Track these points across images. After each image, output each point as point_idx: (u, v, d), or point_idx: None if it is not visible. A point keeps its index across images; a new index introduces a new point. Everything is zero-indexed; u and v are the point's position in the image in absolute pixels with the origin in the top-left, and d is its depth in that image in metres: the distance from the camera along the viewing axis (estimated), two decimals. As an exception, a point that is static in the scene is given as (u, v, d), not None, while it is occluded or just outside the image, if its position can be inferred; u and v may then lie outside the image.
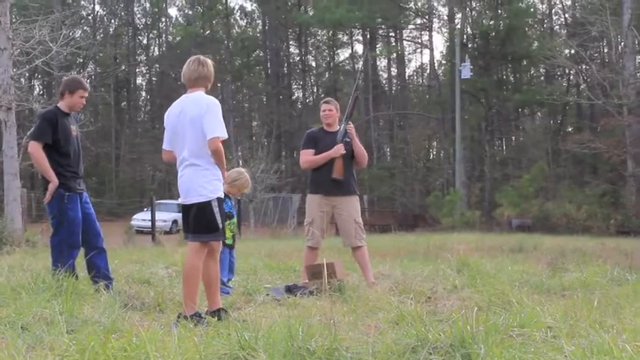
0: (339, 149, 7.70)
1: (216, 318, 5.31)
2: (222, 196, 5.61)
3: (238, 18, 55.56)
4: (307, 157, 7.89)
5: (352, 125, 7.96)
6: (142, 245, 18.71)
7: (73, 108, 7.06)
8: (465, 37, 45.96)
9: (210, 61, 5.76)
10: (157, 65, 55.13)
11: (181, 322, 5.11)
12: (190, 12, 54.81)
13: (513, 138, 51.91)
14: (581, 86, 42.73)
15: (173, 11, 56.60)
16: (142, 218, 29.86)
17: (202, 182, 5.48)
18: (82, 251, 6.96)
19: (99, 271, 6.86)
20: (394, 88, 54.69)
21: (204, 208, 5.47)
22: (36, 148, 6.70)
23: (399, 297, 6.42)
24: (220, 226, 5.51)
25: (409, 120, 49.91)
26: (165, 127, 5.76)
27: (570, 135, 41.88)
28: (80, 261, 7.01)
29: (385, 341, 4.13)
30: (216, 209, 5.46)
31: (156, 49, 57.56)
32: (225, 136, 5.50)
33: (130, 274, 7.96)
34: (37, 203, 26.93)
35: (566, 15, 49.15)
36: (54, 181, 6.64)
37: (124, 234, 20.47)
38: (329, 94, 39.61)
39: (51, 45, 20.18)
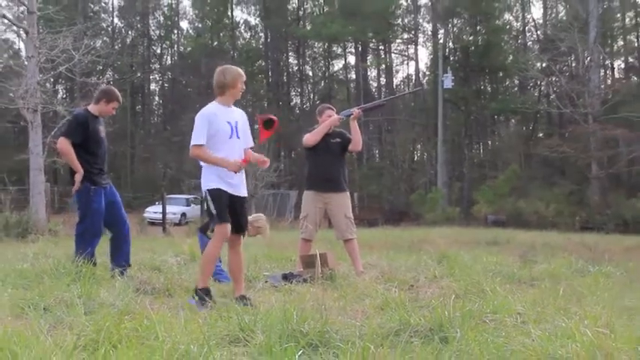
0: (337, 118, 7.87)
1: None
2: (215, 187, 5.61)
3: (243, 31, 55.43)
4: (308, 134, 7.90)
5: (359, 113, 7.99)
6: (153, 236, 18.70)
7: (102, 114, 7.11)
8: (447, 50, 45.94)
9: (220, 69, 5.80)
10: (169, 73, 55.01)
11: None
12: (200, 25, 54.66)
13: (490, 142, 51.88)
14: (551, 96, 42.78)
15: (184, 24, 56.51)
16: (153, 211, 29.76)
17: (202, 179, 5.75)
18: (103, 239, 7.02)
19: (121, 255, 6.94)
20: (383, 96, 54.59)
21: (204, 199, 5.73)
22: (65, 143, 6.74)
23: (384, 285, 6.43)
24: (214, 212, 5.58)
25: (396, 125, 49.84)
26: None
27: (541, 140, 41.87)
28: (99, 248, 7.03)
29: (371, 325, 4.14)
30: (208, 198, 5.62)
31: (168, 58, 57.42)
32: (198, 142, 5.57)
33: (142, 261, 7.96)
34: (60, 196, 26.89)
35: (539, 32, 49.17)
36: (80, 171, 6.69)
37: (137, 225, 20.45)
38: (324, 101, 39.53)
39: (74, 53, 20.15)
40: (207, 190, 5.62)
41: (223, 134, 5.61)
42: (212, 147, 5.60)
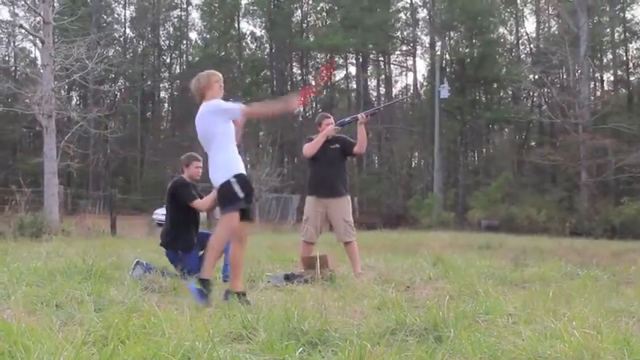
0: (332, 129, 7.82)
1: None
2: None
3: (249, 42, 55.47)
4: (307, 145, 7.87)
5: (364, 118, 7.94)
6: (161, 236, 18.60)
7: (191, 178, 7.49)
8: (443, 62, 46.01)
9: (194, 79, 5.82)
10: (178, 81, 55.01)
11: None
12: (208, 36, 54.72)
13: (484, 150, 51.89)
14: (543, 107, 42.83)
15: (193, 35, 56.56)
16: (161, 213, 29.51)
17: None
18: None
19: (226, 270, 6.96)
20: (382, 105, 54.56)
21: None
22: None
23: (382, 286, 6.40)
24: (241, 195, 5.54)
25: (395, 133, 49.86)
26: None
27: (533, 149, 41.89)
28: (106, 249, 7.01)
29: (369, 324, 4.13)
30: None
31: (177, 67, 57.46)
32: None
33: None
34: (72, 198, 26.91)
35: (531, 45, 49.24)
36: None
37: (146, 226, 20.43)
38: (326, 110, 39.57)
39: (87, 62, 20.18)
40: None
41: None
42: None
